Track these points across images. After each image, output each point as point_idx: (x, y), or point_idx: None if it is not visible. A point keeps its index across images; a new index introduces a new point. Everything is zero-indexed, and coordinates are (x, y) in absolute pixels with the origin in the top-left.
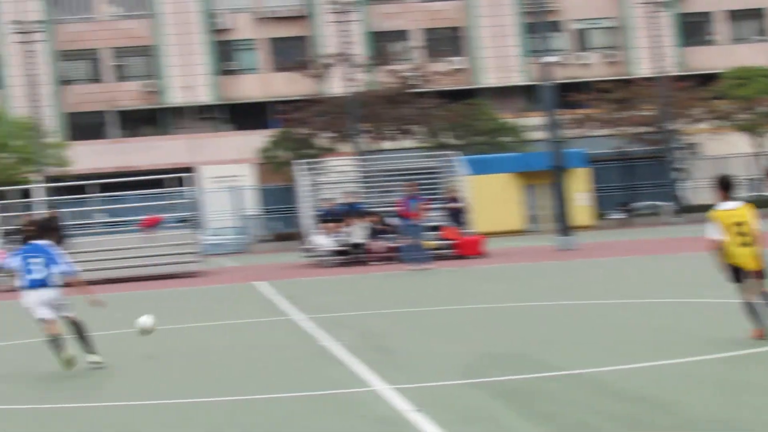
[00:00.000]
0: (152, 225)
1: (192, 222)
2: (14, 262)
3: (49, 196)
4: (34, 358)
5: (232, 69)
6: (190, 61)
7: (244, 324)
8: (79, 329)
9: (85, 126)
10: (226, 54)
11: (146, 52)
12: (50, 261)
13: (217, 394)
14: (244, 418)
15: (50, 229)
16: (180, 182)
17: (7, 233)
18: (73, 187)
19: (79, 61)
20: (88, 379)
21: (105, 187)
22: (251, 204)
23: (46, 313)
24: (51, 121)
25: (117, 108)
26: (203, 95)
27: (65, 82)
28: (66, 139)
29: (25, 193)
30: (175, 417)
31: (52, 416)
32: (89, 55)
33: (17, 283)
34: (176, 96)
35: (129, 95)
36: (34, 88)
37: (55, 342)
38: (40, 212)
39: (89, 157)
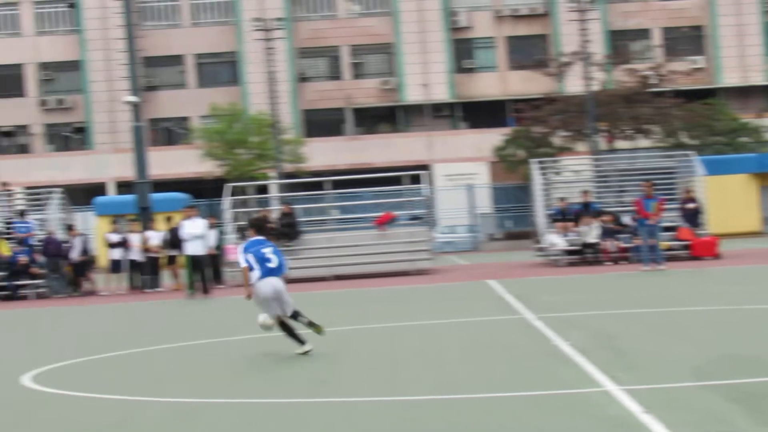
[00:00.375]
0: (386, 222)
1: (425, 220)
2: (245, 255)
3: (285, 192)
4: (261, 353)
5: (469, 67)
6: (427, 59)
7: (475, 322)
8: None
9: (322, 123)
10: (464, 52)
11: (384, 49)
12: (277, 252)
13: (447, 392)
14: (475, 417)
15: (266, 227)
16: (414, 180)
17: (242, 228)
18: (308, 184)
19: (317, 59)
20: (316, 374)
21: (337, 184)
22: (484, 202)
23: (274, 308)
24: (288, 117)
25: (353, 105)
26: (440, 93)
27: (303, 79)
28: (302, 136)
29: (261, 189)
30: (401, 414)
31: (282, 411)
32: (328, 53)
33: (252, 275)
34: (413, 94)
35: (366, 93)
36: (272, 85)
37: (299, 318)
38: (276, 208)
39: (325, 153)
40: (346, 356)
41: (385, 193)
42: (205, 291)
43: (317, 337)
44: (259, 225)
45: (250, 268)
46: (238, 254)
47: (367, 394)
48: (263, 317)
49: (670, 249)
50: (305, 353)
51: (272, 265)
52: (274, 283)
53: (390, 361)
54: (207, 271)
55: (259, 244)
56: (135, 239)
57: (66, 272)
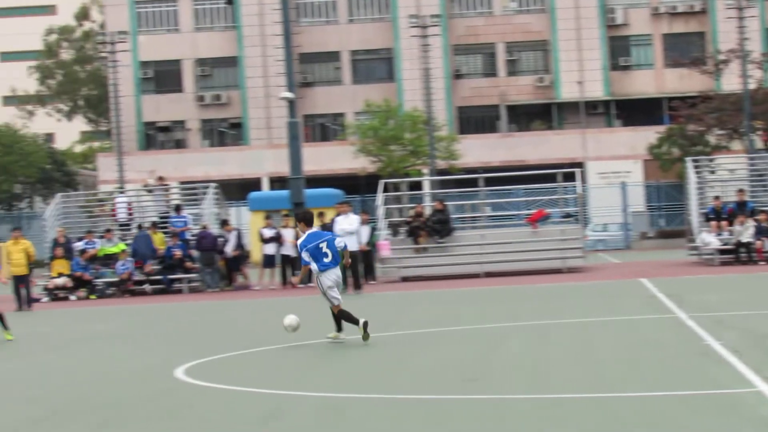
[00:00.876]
0: (538, 219)
1: (578, 217)
2: (304, 253)
3: (438, 188)
4: (411, 349)
5: (625, 64)
6: (583, 56)
7: (627, 320)
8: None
9: (476, 120)
10: (620, 49)
11: (540, 46)
12: (331, 243)
13: (598, 390)
14: (626, 416)
15: (313, 219)
16: (567, 177)
17: (392, 224)
18: (461, 180)
19: (472, 55)
20: (466, 371)
21: (490, 181)
22: (637, 200)
23: (337, 294)
24: (442, 114)
25: (508, 102)
26: (595, 90)
27: (458, 76)
28: (456, 133)
29: (414, 186)
30: (551, 412)
31: (431, 406)
32: (483, 50)
33: (312, 268)
34: (568, 91)
35: (520, 90)
36: (427, 82)
37: (348, 317)
38: (429, 205)
39: (478, 150)
40: (497, 354)
41: (538, 191)
42: (357, 287)
43: (469, 336)
44: (307, 218)
45: (304, 263)
46: (299, 251)
47: (517, 391)
48: (289, 320)
49: None
50: (335, 339)
51: (328, 259)
52: (337, 272)
53: (541, 358)
54: (359, 267)
55: (315, 239)
56: (288, 234)
57: (220, 267)
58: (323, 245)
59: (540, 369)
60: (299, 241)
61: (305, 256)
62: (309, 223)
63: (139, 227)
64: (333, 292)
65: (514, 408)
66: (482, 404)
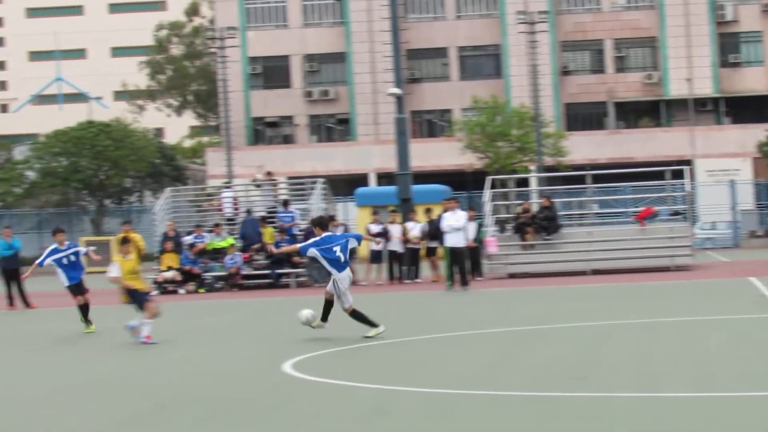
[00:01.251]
0: (646, 217)
1: (686, 215)
2: (311, 248)
3: (545, 185)
4: (518, 346)
5: (734, 61)
6: (692, 52)
7: (735, 319)
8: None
9: (583, 116)
10: (729, 46)
11: (648, 43)
12: (344, 247)
13: (706, 390)
14: (733, 415)
15: (329, 224)
16: (676, 175)
17: (499, 221)
18: (568, 177)
19: (580, 52)
20: (574, 369)
21: (598, 178)
22: (746, 199)
23: (351, 299)
24: (549, 111)
25: (615, 99)
26: (704, 87)
27: (565, 72)
28: (563, 129)
29: (521, 182)
30: (659, 411)
31: (538, 404)
32: (591, 46)
33: (332, 272)
34: (676, 88)
35: (628, 86)
36: (534, 78)
37: (362, 318)
38: (536, 201)
39: (585, 147)
40: (604, 351)
41: (646, 188)
42: (464, 283)
43: (576, 333)
44: (323, 223)
45: (299, 254)
46: (309, 245)
47: (626, 390)
48: (306, 313)
49: None
50: (376, 335)
51: (341, 261)
52: (349, 274)
53: (648, 357)
54: (466, 264)
55: (329, 242)
56: (395, 230)
57: None
58: (337, 249)
59: (648, 367)
60: (314, 239)
61: (312, 251)
62: (324, 228)
63: (248, 212)
64: (349, 294)
65: (623, 407)
66: (590, 402)
